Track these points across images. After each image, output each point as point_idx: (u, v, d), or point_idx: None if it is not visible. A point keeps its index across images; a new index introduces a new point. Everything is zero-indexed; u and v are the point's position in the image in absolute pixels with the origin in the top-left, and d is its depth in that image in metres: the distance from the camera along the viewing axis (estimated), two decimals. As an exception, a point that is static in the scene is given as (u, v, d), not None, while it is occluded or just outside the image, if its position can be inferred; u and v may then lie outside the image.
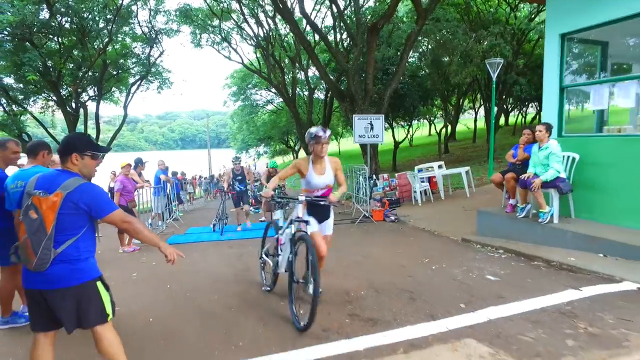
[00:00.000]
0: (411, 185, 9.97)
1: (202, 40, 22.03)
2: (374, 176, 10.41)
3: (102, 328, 2.11)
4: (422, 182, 9.89)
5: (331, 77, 15.65)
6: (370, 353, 2.54)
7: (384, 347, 2.59)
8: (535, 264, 4.24)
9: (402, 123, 22.63)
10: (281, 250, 3.58)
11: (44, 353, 2.09)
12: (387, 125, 27.82)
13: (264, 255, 4.02)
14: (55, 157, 3.25)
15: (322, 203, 3.35)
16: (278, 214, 7.18)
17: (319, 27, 15.54)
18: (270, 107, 36.01)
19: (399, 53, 13.78)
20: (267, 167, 9.86)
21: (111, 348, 2.14)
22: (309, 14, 17.41)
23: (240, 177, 8.33)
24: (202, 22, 20.63)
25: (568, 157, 5.01)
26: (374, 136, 10.30)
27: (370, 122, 10.37)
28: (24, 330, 3.08)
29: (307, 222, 3.19)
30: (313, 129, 3.30)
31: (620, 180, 4.60)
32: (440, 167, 10.20)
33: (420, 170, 10.21)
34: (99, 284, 2.11)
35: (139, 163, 7.68)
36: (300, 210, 3.30)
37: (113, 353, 2.15)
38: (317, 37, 18.40)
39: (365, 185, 9.75)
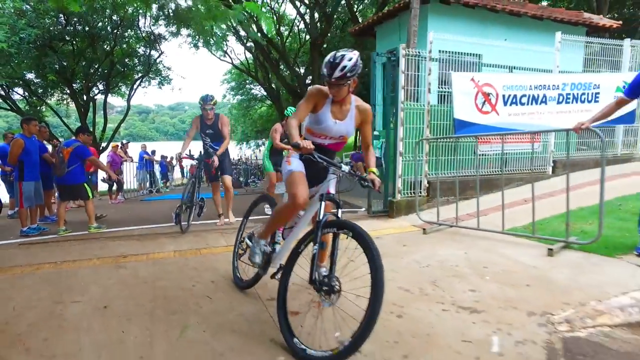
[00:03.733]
0: (337, 167, 13.03)
1: (198, 43, 24.97)
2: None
3: (87, 201, 5.23)
4: (347, 164, 12.90)
5: (287, 81, 18.65)
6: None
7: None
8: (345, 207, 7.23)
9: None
10: (280, 238, 2.73)
11: (63, 210, 5.20)
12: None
13: (247, 240, 2.96)
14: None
15: (352, 173, 2.31)
16: (282, 188, 4.07)
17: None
18: (269, 102, 38.59)
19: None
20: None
21: (89, 210, 5.24)
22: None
23: (212, 131, 5.09)
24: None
25: (382, 141, 7.95)
26: (317, 129, 13.38)
27: (315, 117, 13.42)
28: (53, 223, 6.22)
29: (338, 205, 2.27)
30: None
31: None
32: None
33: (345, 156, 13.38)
34: (85, 184, 5.22)
35: (122, 144, 11.11)
36: (333, 184, 2.36)
37: (89, 211, 5.24)
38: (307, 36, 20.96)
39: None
